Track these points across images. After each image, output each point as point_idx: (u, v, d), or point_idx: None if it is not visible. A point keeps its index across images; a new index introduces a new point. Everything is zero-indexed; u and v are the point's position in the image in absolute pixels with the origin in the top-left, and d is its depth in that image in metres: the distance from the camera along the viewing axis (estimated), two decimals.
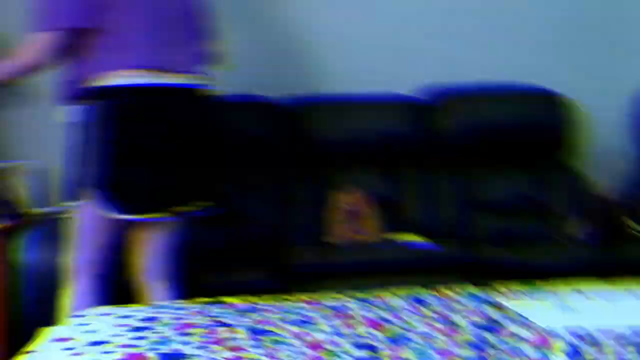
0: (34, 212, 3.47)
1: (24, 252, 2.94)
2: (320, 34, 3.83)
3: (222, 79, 3.74)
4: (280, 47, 3.82)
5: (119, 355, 1.47)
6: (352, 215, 3.18)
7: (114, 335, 1.65)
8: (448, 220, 3.50)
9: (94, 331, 1.70)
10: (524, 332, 1.57)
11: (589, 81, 3.82)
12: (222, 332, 1.61)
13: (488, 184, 3.57)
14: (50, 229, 3.03)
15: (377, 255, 2.98)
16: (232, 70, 3.78)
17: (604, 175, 3.70)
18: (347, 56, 3.82)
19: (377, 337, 1.57)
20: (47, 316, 2.84)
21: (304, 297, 2.02)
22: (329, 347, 1.48)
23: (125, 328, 1.70)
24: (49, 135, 3.73)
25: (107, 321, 1.79)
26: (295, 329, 1.64)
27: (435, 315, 1.77)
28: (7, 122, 3.73)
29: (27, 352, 1.59)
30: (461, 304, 1.90)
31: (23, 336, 2.92)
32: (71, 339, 1.65)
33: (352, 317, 1.72)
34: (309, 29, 3.83)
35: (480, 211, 3.52)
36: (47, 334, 1.73)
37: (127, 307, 1.94)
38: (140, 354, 1.47)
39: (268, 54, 3.81)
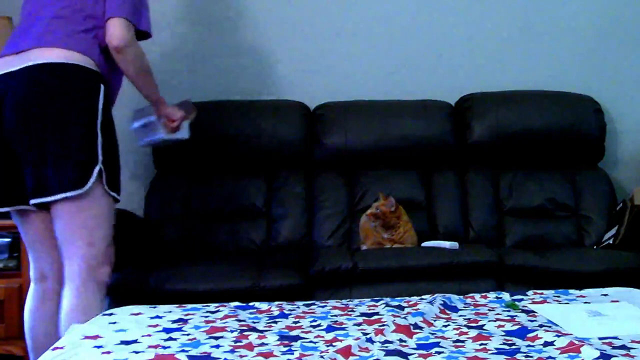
0: None
1: None
2: (355, 40, 3.85)
3: (256, 84, 3.80)
4: (315, 53, 3.84)
5: (148, 355, 1.48)
6: (383, 220, 3.17)
7: (144, 336, 1.65)
8: (478, 225, 3.48)
9: (124, 330, 1.71)
10: (554, 338, 1.55)
11: (621, 86, 3.79)
12: (252, 337, 1.61)
13: (519, 188, 3.55)
14: None
15: (407, 260, 2.97)
16: (267, 75, 3.82)
17: (635, 180, 3.67)
18: (383, 63, 3.83)
19: (408, 343, 1.57)
20: None
21: (334, 302, 2.02)
22: (359, 353, 1.48)
23: (156, 329, 1.71)
24: None
25: (137, 321, 1.80)
26: (325, 334, 1.64)
27: (465, 322, 1.76)
28: None
29: (57, 349, 1.60)
30: (491, 309, 1.89)
31: None
32: (101, 337, 1.66)
33: (382, 323, 1.72)
34: (344, 37, 3.85)
35: (510, 216, 3.51)
36: (77, 331, 1.74)
37: (158, 307, 1.95)
38: (170, 355, 1.48)
39: (303, 60, 3.83)
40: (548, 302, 1.97)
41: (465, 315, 1.82)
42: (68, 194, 2.29)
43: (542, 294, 2.07)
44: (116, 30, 2.40)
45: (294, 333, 1.66)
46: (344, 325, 1.72)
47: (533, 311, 1.84)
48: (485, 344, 1.55)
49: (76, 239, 2.36)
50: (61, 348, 1.60)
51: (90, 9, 2.44)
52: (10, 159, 2.37)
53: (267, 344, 1.56)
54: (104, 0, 2.45)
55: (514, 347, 1.52)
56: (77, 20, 2.43)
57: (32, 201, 2.33)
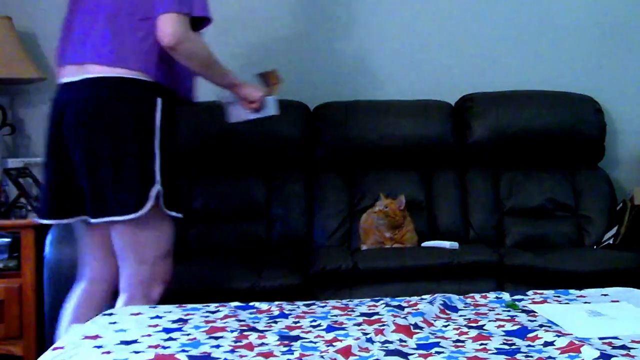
0: None
1: (52, 248, 2.97)
2: (355, 40, 3.85)
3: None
4: (315, 53, 3.84)
5: (148, 355, 1.48)
6: (393, 219, 3.17)
7: (144, 336, 1.65)
8: (478, 225, 3.49)
9: (124, 330, 1.71)
10: (554, 338, 1.55)
11: (621, 86, 3.80)
12: (252, 337, 1.61)
13: (519, 188, 3.55)
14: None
15: (407, 260, 2.97)
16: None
17: (635, 180, 3.67)
18: (383, 63, 3.84)
19: (408, 343, 1.57)
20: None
21: (334, 302, 2.02)
22: (359, 353, 1.48)
23: (156, 329, 1.71)
24: None
25: (137, 321, 1.80)
26: (325, 334, 1.64)
27: (465, 321, 1.76)
28: (37, 119, 3.77)
29: (57, 349, 1.60)
30: (491, 309, 1.89)
31: (45, 331, 2.97)
32: (101, 337, 1.66)
33: (382, 323, 1.72)
34: (344, 37, 3.85)
35: (510, 216, 3.51)
36: (78, 331, 1.74)
37: (158, 307, 1.95)
38: (170, 355, 1.48)
39: (303, 60, 3.84)
40: (548, 302, 1.97)
41: (465, 315, 1.82)
42: (124, 218, 2.23)
43: (542, 294, 2.07)
44: (165, 28, 2.21)
45: (294, 333, 1.66)
46: (344, 325, 1.72)
47: (533, 311, 1.84)
48: (485, 344, 1.55)
49: (129, 256, 2.34)
50: (61, 348, 1.60)
51: (142, 9, 2.28)
52: (70, 167, 2.32)
53: (267, 344, 1.56)
54: None
55: (514, 347, 1.52)
56: (130, 26, 2.29)
57: (92, 220, 2.28)
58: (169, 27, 2.21)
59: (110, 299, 2.46)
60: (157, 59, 2.29)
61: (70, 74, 2.33)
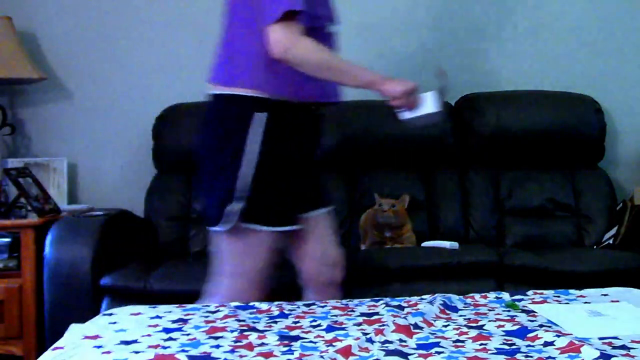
0: (63, 208, 3.51)
1: (51, 248, 2.97)
2: (355, 40, 3.84)
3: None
4: None
5: (148, 355, 1.48)
6: (401, 218, 3.17)
7: (144, 336, 1.65)
8: (478, 225, 3.49)
9: (124, 330, 1.71)
10: (554, 338, 1.55)
11: (621, 86, 3.80)
12: (252, 337, 1.61)
13: (519, 188, 3.55)
14: (78, 226, 3.06)
15: (407, 260, 2.97)
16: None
17: (635, 180, 3.67)
18: (383, 63, 3.83)
19: (408, 343, 1.57)
20: (69, 312, 2.89)
21: (334, 302, 2.01)
22: (359, 353, 1.48)
23: (156, 329, 1.71)
24: (77, 133, 3.80)
25: (137, 321, 1.80)
26: (325, 334, 1.64)
27: (465, 322, 1.76)
28: (37, 119, 3.77)
29: (57, 349, 1.60)
30: (491, 309, 1.89)
31: (45, 331, 2.97)
32: (101, 337, 1.66)
33: (382, 323, 1.72)
34: (344, 37, 3.85)
35: (510, 216, 3.51)
36: (77, 330, 1.74)
37: (158, 307, 1.95)
38: (170, 355, 1.48)
39: None
40: (548, 302, 1.96)
41: (465, 315, 1.82)
42: (211, 229, 2.29)
43: (542, 294, 2.06)
44: (270, 40, 2.14)
45: (294, 333, 1.66)
46: (344, 325, 1.72)
47: (533, 311, 1.84)
48: (485, 344, 1.54)
49: (219, 269, 2.36)
50: (61, 348, 1.60)
51: (251, 22, 2.22)
52: None
53: (267, 344, 1.56)
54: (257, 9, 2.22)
55: (514, 347, 1.52)
56: (239, 40, 2.26)
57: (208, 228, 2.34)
58: (270, 39, 2.15)
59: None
60: (267, 70, 2.23)
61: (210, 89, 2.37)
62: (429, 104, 2.41)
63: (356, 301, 2.02)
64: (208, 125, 2.31)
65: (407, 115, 2.41)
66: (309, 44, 2.18)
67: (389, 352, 1.48)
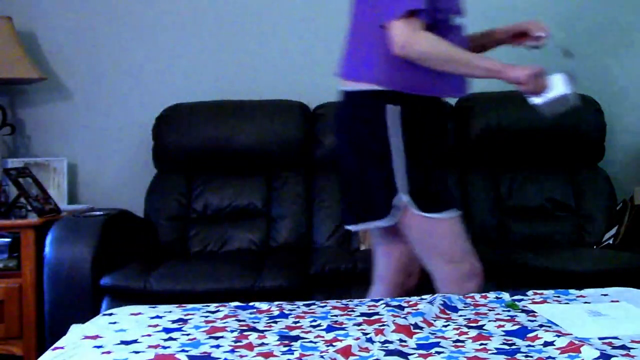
0: (63, 208, 3.51)
1: (51, 248, 2.97)
2: None
3: (256, 84, 3.81)
4: (316, 53, 3.85)
5: (148, 355, 1.48)
6: None
7: (144, 336, 1.65)
8: (478, 225, 3.48)
9: (124, 330, 1.71)
10: (554, 338, 1.55)
11: (621, 86, 3.80)
12: (252, 337, 1.61)
13: (519, 188, 3.55)
14: (78, 226, 3.07)
15: None
16: (267, 75, 3.83)
17: (635, 180, 3.67)
18: None
19: (408, 343, 1.57)
20: (69, 312, 2.89)
21: (334, 302, 2.01)
22: (359, 353, 1.48)
23: (156, 329, 1.71)
24: (77, 133, 3.80)
25: (137, 321, 1.80)
26: (325, 334, 1.64)
27: (465, 321, 1.76)
28: (37, 119, 3.77)
29: (57, 349, 1.60)
30: (491, 309, 1.89)
31: (45, 331, 2.97)
32: (101, 337, 1.66)
33: (382, 323, 1.72)
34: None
35: (510, 216, 3.51)
36: (77, 330, 1.74)
37: (158, 307, 1.95)
38: (170, 355, 1.48)
39: (303, 60, 3.84)
40: (548, 302, 1.96)
41: (465, 315, 1.82)
42: (371, 225, 2.31)
43: (542, 294, 2.06)
44: (390, 38, 2.16)
45: (294, 333, 1.66)
46: (344, 325, 1.72)
47: (533, 311, 1.84)
48: (485, 344, 1.54)
49: (424, 258, 2.35)
50: (61, 348, 1.60)
51: (375, 19, 2.23)
52: None
53: (267, 344, 1.56)
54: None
55: (514, 347, 1.52)
56: (365, 36, 2.28)
57: (346, 226, 2.38)
58: (391, 36, 2.16)
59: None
60: (394, 66, 2.23)
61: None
62: (559, 86, 2.30)
63: (356, 301, 2.02)
64: (345, 122, 2.32)
65: (537, 100, 2.31)
66: (428, 39, 2.18)
67: (389, 352, 1.48)
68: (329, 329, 1.68)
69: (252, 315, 1.86)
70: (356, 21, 2.32)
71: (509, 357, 1.45)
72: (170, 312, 1.90)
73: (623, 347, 1.50)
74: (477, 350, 1.51)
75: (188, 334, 1.66)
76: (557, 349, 1.50)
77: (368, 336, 1.59)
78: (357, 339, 1.56)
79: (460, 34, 2.37)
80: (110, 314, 1.90)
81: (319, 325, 1.73)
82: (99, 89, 3.84)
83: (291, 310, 1.91)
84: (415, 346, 1.55)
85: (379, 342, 1.56)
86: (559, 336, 1.55)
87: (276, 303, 2.00)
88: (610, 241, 3.25)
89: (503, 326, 1.69)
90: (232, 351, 1.51)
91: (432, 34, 2.19)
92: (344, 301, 2.03)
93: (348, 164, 2.32)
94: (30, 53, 3.64)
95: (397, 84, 2.24)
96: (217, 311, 1.91)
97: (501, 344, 1.54)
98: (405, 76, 2.24)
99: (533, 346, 1.53)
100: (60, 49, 3.81)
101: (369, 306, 1.94)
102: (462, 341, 1.58)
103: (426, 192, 2.26)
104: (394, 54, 2.18)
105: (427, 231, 2.29)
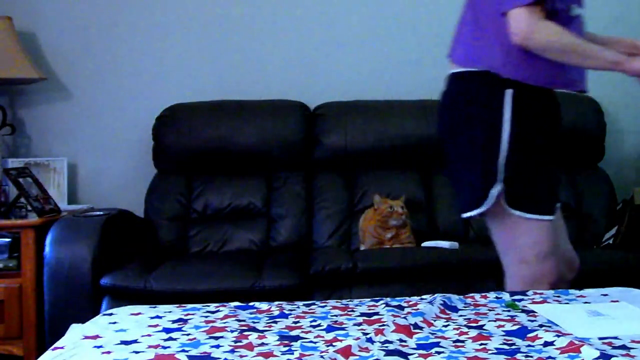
0: (63, 208, 3.51)
1: (51, 248, 2.97)
2: (355, 40, 3.86)
3: (256, 84, 3.81)
4: (315, 53, 3.85)
5: (148, 355, 1.47)
6: (382, 219, 3.17)
7: (144, 336, 1.65)
8: (478, 225, 3.47)
9: (124, 330, 1.71)
10: (554, 338, 1.55)
11: (621, 86, 3.79)
12: (252, 337, 1.61)
13: None
14: (78, 226, 3.07)
15: (407, 260, 2.97)
16: (267, 75, 3.84)
17: (635, 180, 3.67)
18: (383, 63, 3.84)
19: (408, 343, 1.57)
20: (69, 312, 2.89)
21: (334, 302, 2.01)
22: (359, 353, 1.48)
23: (156, 329, 1.71)
24: (77, 133, 3.80)
25: (137, 321, 1.80)
26: (325, 334, 1.64)
27: (465, 322, 1.76)
28: (37, 119, 3.77)
29: (57, 349, 1.60)
30: (491, 309, 1.89)
31: (45, 331, 2.97)
32: (101, 337, 1.65)
33: (382, 323, 1.72)
34: (345, 36, 3.86)
35: None
36: (77, 330, 1.74)
37: (158, 307, 1.95)
38: (170, 355, 1.48)
39: (303, 60, 3.84)
40: (548, 302, 1.96)
41: (465, 315, 1.82)
42: (464, 215, 2.27)
43: (542, 294, 2.06)
44: (510, 26, 2.12)
45: (294, 333, 1.65)
46: (344, 325, 1.72)
47: (533, 311, 1.84)
48: (485, 344, 1.54)
49: (502, 253, 2.33)
50: (61, 348, 1.60)
51: (494, 6, 2.19)
52: None
53: (267, 344, 1.56)
54: None
55: (514, 347, 1.52)
56: (484, 23, 2.24)
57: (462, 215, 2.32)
58: (512, 23, 2.12)
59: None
60: (511, 54, 2.19)
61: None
62: None
63: (356, 301, 2.02)
64: (453, 105, 2.29)
65: None
66: (550, 29, 2.14)
67: (389, 352, 1.48)
68: (329, 329, 1.68)
69: (252, 315, 1.86)
70: (475, 6, 2.28)
71: (509, 357, 1.44)
72: (170, 312, 1.90)
73: (623, 347, 1.50)
74: (477, 350, 1.51)
75: (188, 334, 1.66)
76: (557, 349, 1.50)
77: (368, 336, 1.59)
78: (357, 339, 1.56)
79: (580, 24, 2.31)
80: (110, 314, 1.90)
81: (319, 325, 1.73)
82: (99, 89, 3.84)
83: (291, 310, 1.91)
84: (415, 346, 1.55)
85: (379, 342, 1.56)
86: (559, 336, 1.55)
87: (276, 303, 2.00)
88: (610, 241, 3.25)
89: (503, 326, 1.69)
90: (232, 351, 1.51)
91: (554, 24, 2.14)
92: (344, 301, 2.03)
93: (453, 148, 2.29)
94: (30, 53, 3.64)
95: (513, 72, 2.19)
96: (217, 311, 1.91)
97: (501, 344, 1.54)
98: (523, 65, 2.19)
99: (533, 346, 1.53)
100: (60, 49, 3.81)
101: (369, 306, 1.94)
102: (462, 341, 1.58)
103: (521, 187, 2.21)
104: (513, 43, 2.14)
105: (509, 227, 2.24)
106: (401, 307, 1.89)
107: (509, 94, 2.18)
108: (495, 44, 2.21)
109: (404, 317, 1.74)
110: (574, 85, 2.36)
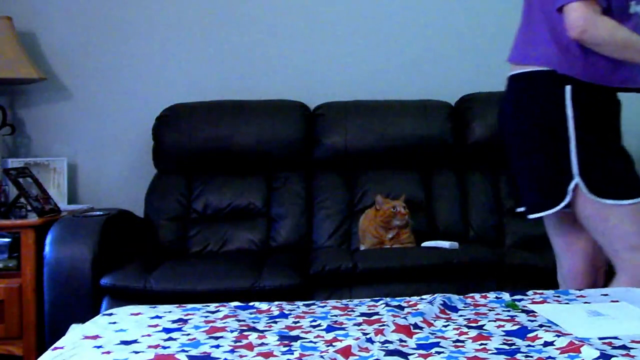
0: (63, 208, 3.51)
1: (51, 248, 2.97)
2: (355, 41, 3.86)
3: (256, 84, 3.81)
4: (315, 53, 3.85)
5: (148, 355, 1.47)
6: (385, 220, 3.17)
7: (144, 336, 1.65)
8: (478, 225, 3.48)
9: (124, 330, 1.71)
10: (554, 338, 1.55)
11: None
12: (252, 337, 1.61)
13: None
14: (78, 226, 3.06)
15: (407, 260, 2.97)
16: (267, 75, 3.83)
17: None
18: (383, 63, 3.84)
19: (408, 343, 1.56)
20: (69, 312, 2.89)
21: (334, 302, 2.01)
22: (359, 353, 1.48)
23: (156, 329, 1.71)
24: (77, 133, 3.80)
25: (137, 321, 1.80)
26: (325, 334, 1.64)
27: (465, 322, 1.76)
28: (37, 119, 3.77)
29: (57, 349, 1.60)
30: (491, 309, 1.89)
31: (45, 331, 2.97)
32: (101, 337, 1.65)
33: (382, 323, 1.71)
34: (344, 37, 3.85)
35: (510, 216, 3.50)
36: (77, 330, 1.74)
37: (158, 307, 1.95)
38: (170, 355, 1.48)
39: (303, 60, 3.84)
40: (548, 302, 1.96)
41: (465, 315, 1.82)
42: (534, 216, 2.28)
43: (542, 294, 2.06)
44: (567, 21, 2.12)
45: (294, 333, 1.65)
46: (344, 325, 1.72)
47: (533, 311, 1.84)
48: (485, 344, 1.54)
49: (604, 244, 2.28)
50: (61, 348, 1.60)
51: (549, 2, 2.19)
52: None
53: (267, 344, 1.56)
54: None
55: (514, 347, 1.52)
56: (540, 20, 2.24)
57: (529, 216, 2.32)
58: (569, 18, 2.12)
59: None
60: (567, 51, 2.20)
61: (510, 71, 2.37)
62: None
63: (356, 301, 2.02)
64: (516, 108, 2.29)
65: None
66: (606, 23, 2.13)
67: (389, 352, 1.48)
68: (329, 329, 1.68)
69: (252, 315, 1.86)
70: (530, 6, 2.28)
71: (509, 357, 1.44)
72: (170, 312, 1.90)
73: (623, 347, 1.50)
74: (477, 350, 1.51)
75: (188, 334, 1.66)
76: (557, 349, 1.50)
77: (368, 336, 1.59)
78: (357, 339, 1.56)
79: (638, 21, 2.26)
80: (110, 314, 1.90)
81: (319, 325, 1.73)
82: (99, 89, 3.84)
83: (291, 310, 1.91)
84: (415, 346, 1.55)
85: (379, 342, 1.56)
86: (559, 336, 1.55)
87: (276, 303, 2.00)
88: None
89: (503, 326, 1.69)
90: (232, 351, 1.51)
91: (610, 19, 2.13)
92: (344, 301, 2.03)
93: (520, 148, 2.27)
94: (30, 53, 3.64)
95: (570, 69, 2.20)
96: (217, 311, 1.90)
97: (501, 344, 1.54)
98: (579, 63, 2.19)
99: (533, 346, 1.53)
100: (60, 49, 3.81)
101: (368, 306, 1.94)
102: (462, 341, 1.58)
103: (601, 176, 2.20)
104: (571, 38, 2.14)
105: (605, 217, 2.20)
106: (401, 307, 1.89)
107: (568, 90, 2.19)
108: (550, 42, 2.21)
109: (404, 317, 1.74)
110: (633, 83, 2.32)
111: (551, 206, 2.22)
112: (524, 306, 1.91)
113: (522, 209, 2.36)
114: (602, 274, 2.43)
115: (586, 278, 2.39)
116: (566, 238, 2.41)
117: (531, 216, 2.30)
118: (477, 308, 1.91)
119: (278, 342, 1.57)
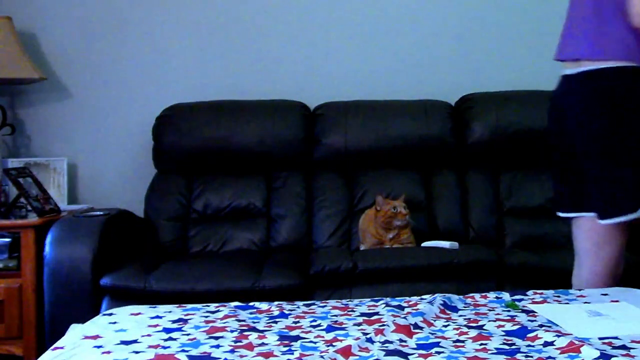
0: (63, 208, 3.51)
1: (51, 248, 2.97)
2: (355, 41, 3.86)
3: (256, 84, 3.81)
4: (315, 53, 3.85)
5: (148, 355, 1.48)
6: (385, 221, 3.17)
7: (144, 336, 1.65)
8: (478, 225, 3.48)
9: (124, 330, 1.71)
10: (554, 338, 1.55)
11: None
12: (252, 337, 1.61)
13: (519, 188, 3.54)
14: (78, 226, 3.06)
15: (407, 260, 2.97)
16: (267, 75, 3.83)
17: None
18: (383, 63, 3.84)
19: (408, 343, 1.57)
20: (69, 312, 2.89)
21: (334, 302, 2.01)
22: (359, 353, 1.48)
23: (156, 329, 1.71)
24: (77, 133, 3.80)
25: (137, 321, 1.80)
26: (325, 334, 1.64)
27: (465, 322, 1.76)
28: (37, 119, 3.77)
29: (57, 349, 1.60)
30: (491, 309, 1.89)
31: (45, 331, 2.97)
32: (101, 337, 1.66)
33: (382, 323, 1.72)
34: (344, 37, 3.86)
35: (510, 216, 3.50)
36: (77, 330, 1.74)
37: (158, 307, 1.95)
38: (170, 355, 1.48)
39: (303, 60, 3.84)
40: (548, 302, 1.96)
41: (465, 315, 1.82)
42: (621, 219, 2.20)
43: (542, 294, 2.07)
44: (632, 10, 2.08)
45: (294, 333, 1.66)
46: (344, 325, 1.72)
47: (533, 311, 1.84)
48: (485, 344, 1.55)
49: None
50: (61, 348, 1.60)
51: None
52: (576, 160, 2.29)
53: (267, 344, 1.56)
54: None
55: (514, 347, 1.52)
56: (613, 15, 2.18)
57: (602, 221, 2.24)
58: (634, 7, 2.09)
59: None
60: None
61: (569, 68, 2.30)
62: None
63: (356, 301, 2.02)
64: (591, 107, 2.20)
65: None
66: None
67: (389, 352, 1.48)
68: (329, 329, 1.68)
69: (252, 315, 1.86)
70: (597, 1, 2.23)
71: (509, 357, 1.45)
72: (170, 312, 1.90)
73: (623, 347, 1.50)
74: (477, 350, 1.51)
75: (188, 334, 1.66)
76: (557, 349, 1.50)
77: (368, 336, 1.59)
78: (357, 339, 1.56)
79: None
80: (110, 314, 1.90)
81: (319, 325, 1.73)
82: (99, 89, 3.83)
83: (291, 310, 1.91)
84: (415, 346, 1.55)
85: (379, 342, 1.56)
86: (559, 336, 1.55)
87: (276, 303, 2.00)
88: None
89: (503, 326, 1.69)
90: (232, 351, 1.51)
91: None
92: (344, 301, 2.03)
93: (600, 151, 2.19)
94: (30, 53, 3.64)
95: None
96: (217, 311, 1.91)
97: (501, 344, 1.54)
98: None
99: (533, 346, 1.53)
100: (60, 49, 3.81)
101: (369, 306, 1.94)
102: (462, 341, 1.58)
103: None
104: (635, 26, 2.10)
105: None
106: (401, 307, 1.89)
107: None
108: (625, 36, 2.16)
109: (404, 317, 1.74)
110: None
111: (631, 211, 2.17)
112: (524, 306, 1.91)
113: (590, 214, 2.29)
114: (621, 267, 2.40)
115: (609, 281, 2.36)
116: (595, 240, 2.35)
117: (620, 219, 2.21)
118: (477, 308, 1.91)
119: (278, 342, 1.57)
